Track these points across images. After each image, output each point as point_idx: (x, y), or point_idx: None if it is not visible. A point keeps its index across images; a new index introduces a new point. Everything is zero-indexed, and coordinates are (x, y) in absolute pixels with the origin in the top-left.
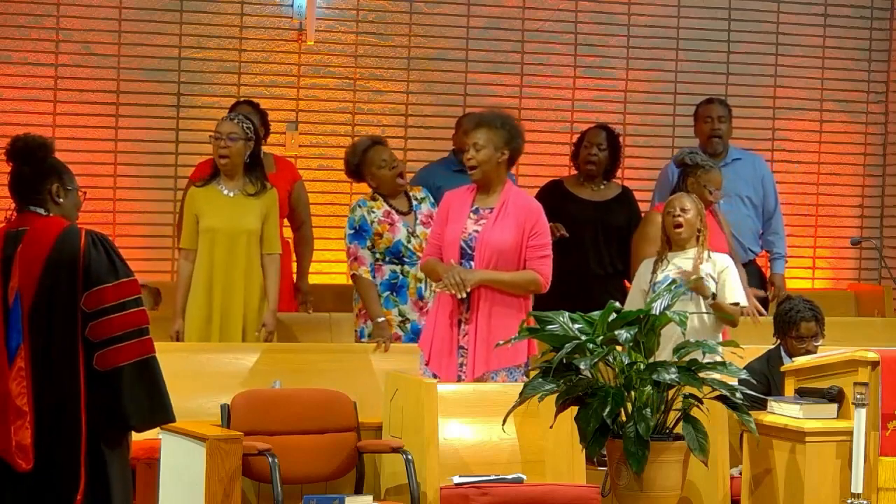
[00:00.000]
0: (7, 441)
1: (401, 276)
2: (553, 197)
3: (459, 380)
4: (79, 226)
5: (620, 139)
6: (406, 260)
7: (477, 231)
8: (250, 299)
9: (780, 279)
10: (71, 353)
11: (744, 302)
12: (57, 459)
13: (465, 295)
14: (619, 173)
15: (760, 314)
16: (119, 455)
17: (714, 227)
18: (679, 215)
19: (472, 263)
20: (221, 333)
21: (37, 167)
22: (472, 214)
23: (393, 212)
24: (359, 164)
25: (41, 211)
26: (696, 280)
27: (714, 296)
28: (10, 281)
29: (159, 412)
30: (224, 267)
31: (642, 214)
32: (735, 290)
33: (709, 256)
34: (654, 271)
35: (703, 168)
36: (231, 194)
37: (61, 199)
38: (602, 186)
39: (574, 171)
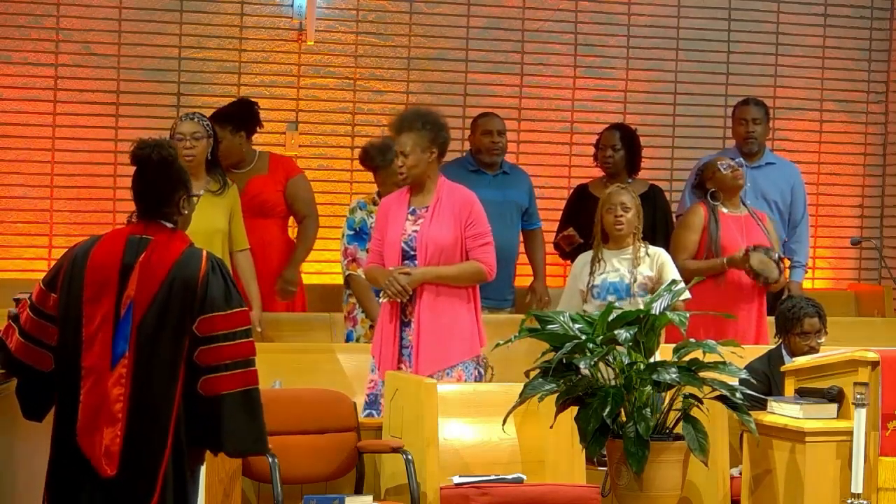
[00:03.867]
0: (97, 445)
1: None
2: (578, 202)
3: None
4: (199, 247)
5: (636, 134)
6: None
7: (416, 231)
8: None
9: (797, 287)
10: (172, 371)
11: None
12: (138, 469)
13: (408, 298)
14: None
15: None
16: (194, 473)
17: (758, 233)
18: (621, 214)
19: (416, 263)
20: None
21: (170, 179)
22: (409, 216)
23: None
24: (377, 167)
25: (167, 223)
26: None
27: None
28: (126, 289)
29: (254, 443)
30: None
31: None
32: (672, 273)
33: (646, 254)
34: (592, 272)
35: (705, 171)
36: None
37: (185, 210)
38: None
39: (583, 172)
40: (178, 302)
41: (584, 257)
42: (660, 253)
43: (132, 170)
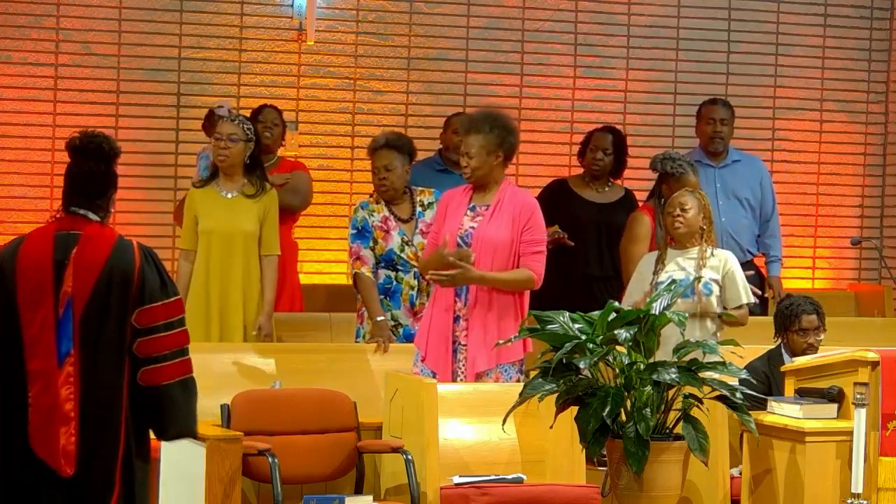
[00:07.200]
0: (54, 446)
1: (395, 283)
2: (557, 196)
3: (457, 377)
4: (128, 238)
5: (626, 140)
6: (400, 268)
7: (473, 227)
8: (250, 301)
9: (776, 282)
10: (118, 364)
11: (750, 299)
12: (96, 466)
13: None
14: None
15: (757, 296)
16: (145, 465)
17: None
18: (679, 215)
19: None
20: (221, 334)
21: (110, 171)
22: (468, 212)
23: (391, 218)
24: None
25: (92, 216)
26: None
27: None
28: (63, 286)
29: (188, 427)
30: (220, 268)
31: None
32: (741, 291)
33: (712, 254)
34: (656, 271)
35: (673, 176)
36: (230, 196)
37: (111, 210)
38: (606, 188)
39: (579, 170)
40: (118, 294)
41: (651, 256)
42: (726, 257)
43: (133, 170)
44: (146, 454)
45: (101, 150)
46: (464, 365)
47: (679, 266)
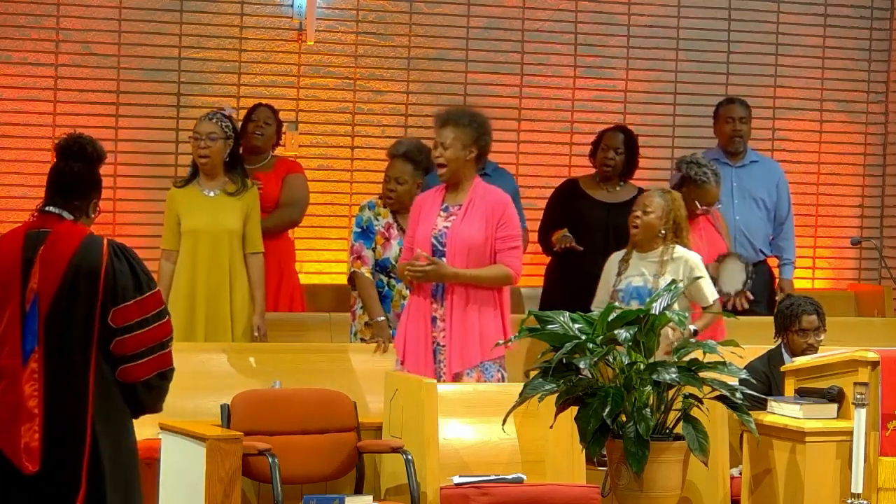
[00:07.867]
0: (16, 443)
1: (386, 288)
2: (568, 196)
3: (439, 378)
4: (99, 234)
5: (637, 139)
6: (393, 275)
7: (447, 227)
8: (237, 299)
9: (788, 284)
10: (84, 360)
11: (715, 297)
12: (61, 463)
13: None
14: None
15: (749, 300)
16: (120, 462)
17: (712, 231)
18: (638, 216)
19: (444, 259)
20: (207, 334)
21: (92, 173)
22: (441, 212)
23: (394, 226)
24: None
25: (66, 215)
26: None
27: (696, 332)
28: (29, 283)
29: (156, 410)
30: (207, 268)
31: None
32: (707, 294)
33: (672, 258)
34: (619, 273)
35: (695, 182)
36: (211, 194)
37: (92, 216)
38: (618, 188)
39: (580, 170)
40: (85, 291)
41: (617, 255)
42: (690, 259)
43: (133, 170)
44: (119, 450)
45: (83, 152)
46: (444, 366)
47: (639, 271)
